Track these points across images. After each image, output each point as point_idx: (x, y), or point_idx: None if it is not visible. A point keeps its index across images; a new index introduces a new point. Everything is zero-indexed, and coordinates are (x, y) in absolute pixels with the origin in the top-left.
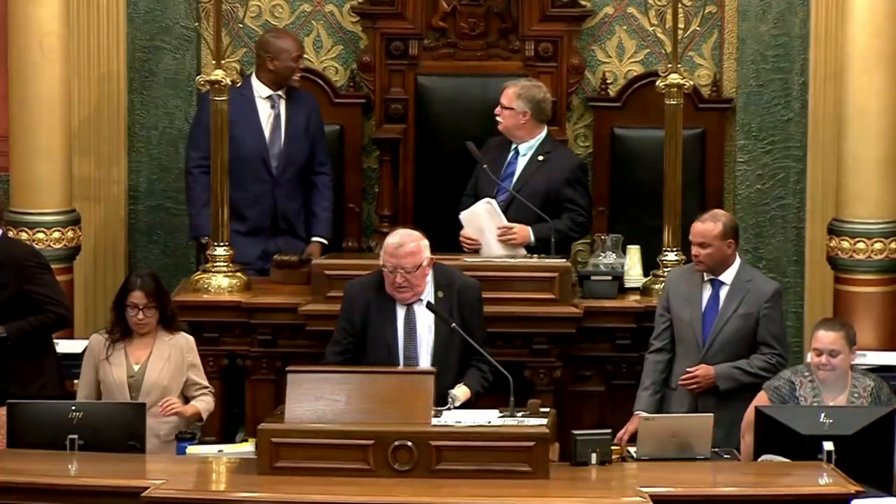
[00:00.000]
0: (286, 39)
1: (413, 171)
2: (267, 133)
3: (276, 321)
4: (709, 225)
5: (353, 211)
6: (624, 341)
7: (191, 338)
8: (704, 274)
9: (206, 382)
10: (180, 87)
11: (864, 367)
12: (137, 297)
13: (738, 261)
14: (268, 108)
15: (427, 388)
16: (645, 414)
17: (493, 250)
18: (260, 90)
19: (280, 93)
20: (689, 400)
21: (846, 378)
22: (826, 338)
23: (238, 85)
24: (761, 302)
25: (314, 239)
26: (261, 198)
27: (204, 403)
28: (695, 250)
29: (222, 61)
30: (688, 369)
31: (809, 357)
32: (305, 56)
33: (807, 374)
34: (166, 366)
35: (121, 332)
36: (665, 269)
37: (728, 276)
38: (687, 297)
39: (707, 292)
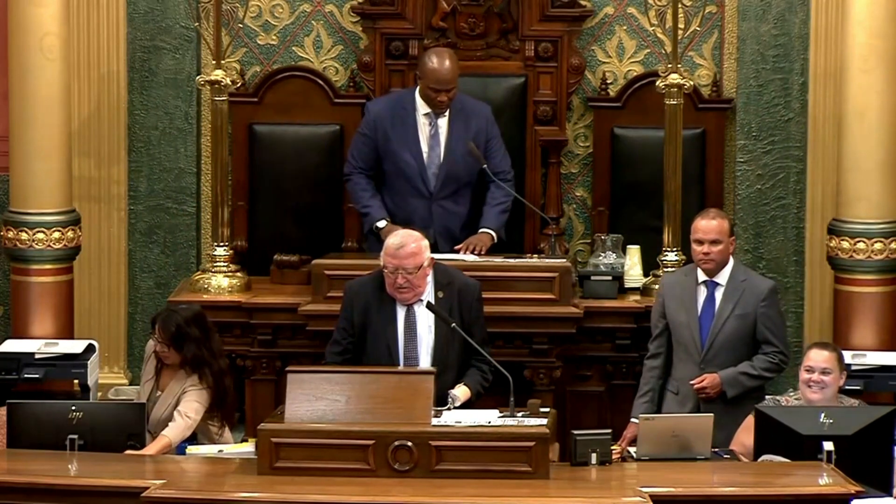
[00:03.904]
0: (433, 64)
1: None
2: (425, 150)
3: (276, 321)
4: (718, 221)
5: (353, 211)
6: (624, 341)
7: (205, 392)
8: (699, 276)
9: (188, 411)
10: (180, 87)
11: (864, 367)
12: (156, 330)
13: (731, 261)
14: (427, 125)
15: (427, 388)
16: (644, 415)
17: None
18: (420, 106)
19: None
20: (693, 403)
21: (834, 401)
22: (818, 356)
23: (393, 93)
24: (758, 301)
25: (481, 230)
26: (417, 214)
27: (171, 430)
28: (705, 248)
29: (222, 61)
30: (691, 382)
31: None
32: (305, 56)
33: (792, 393)
34: (173, 403)
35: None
36: (665, 269)
37: (723, 277)
38: (682, 301)
39: (702, 294)
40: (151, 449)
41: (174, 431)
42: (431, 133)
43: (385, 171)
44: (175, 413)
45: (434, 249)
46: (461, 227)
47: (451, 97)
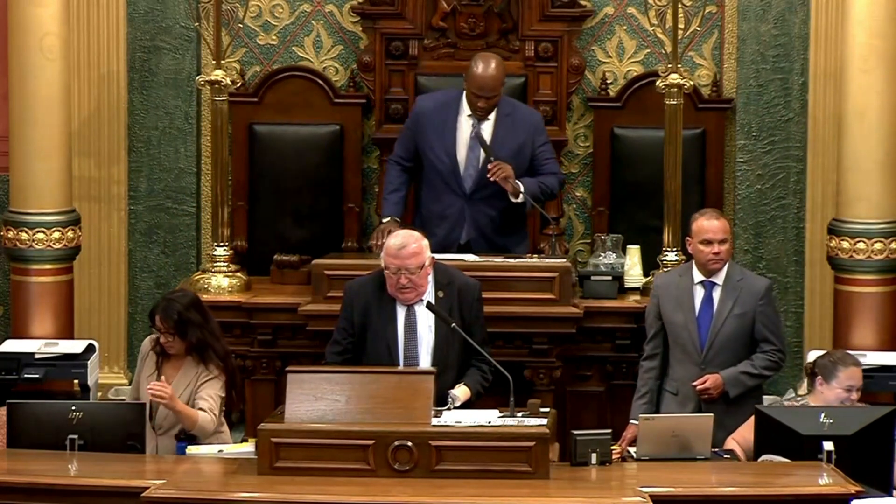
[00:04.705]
0: (478, 70)
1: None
2: (464, 151)
3: (276, 321)
4: (721, 220)
5: (353, 211)
6: (624, 341)
7: (218, 381)
8: (695, 276)
9: (213, 408)
10: (180, 87)
11: (864, 367)
12: (158, 321)
13: None
14: (470, 127)
15: (427, 388)
16: (644, 415)
17: None
18: (465, 108)
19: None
20: (694, 404)
21: None
22: (858, 373)
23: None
24: (756, 300)
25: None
26: (451, 211)
27: (203, 416)
28: (715, 248)
29: (222, 61)
30: (694, 384)
31: (814, 385)
32: (305, 56)
33: (798, 399)
34: (185, 393)
35: (161, 347)
36: (665, 269)
37: (720, 277)
38: (679, 301)
39: (700, 294)
40: (180, 405)
41: (204, 419)
42: (473, 134)
43: (424, 167)
44: (200, 410)
45: (467, 249)
46: (495, 230)
47: (492, 105)
